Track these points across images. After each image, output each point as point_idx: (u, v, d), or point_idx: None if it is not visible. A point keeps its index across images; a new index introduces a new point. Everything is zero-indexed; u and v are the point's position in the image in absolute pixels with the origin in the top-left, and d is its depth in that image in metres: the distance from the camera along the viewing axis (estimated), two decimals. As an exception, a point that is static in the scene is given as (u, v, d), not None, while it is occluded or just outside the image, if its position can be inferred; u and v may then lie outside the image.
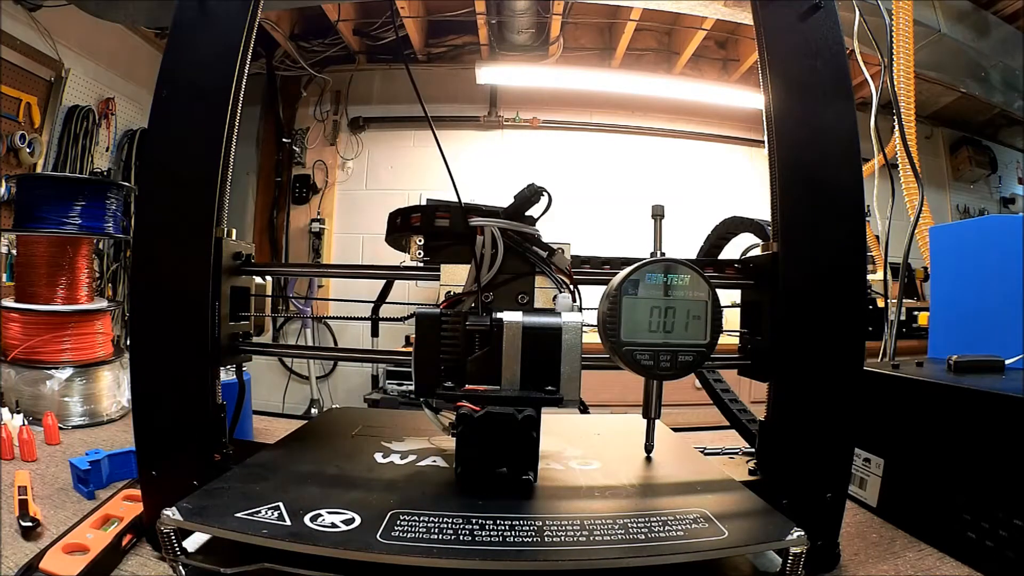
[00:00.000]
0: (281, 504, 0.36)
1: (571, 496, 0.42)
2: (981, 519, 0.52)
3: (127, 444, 0.81)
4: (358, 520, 0.35)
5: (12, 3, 1.97)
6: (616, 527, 0.35)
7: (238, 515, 0.35)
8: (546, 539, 0.34)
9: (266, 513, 0.35)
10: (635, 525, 0.36)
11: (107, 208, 1.14)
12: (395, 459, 0.49)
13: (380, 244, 0.62)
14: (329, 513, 0.36)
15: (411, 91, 0.57)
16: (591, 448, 0.54)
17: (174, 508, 0.35)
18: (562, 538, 0.34)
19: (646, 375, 0.43)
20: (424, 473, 0.46)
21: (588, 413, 0.76)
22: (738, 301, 0.57)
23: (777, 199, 0.51)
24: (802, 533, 0.33)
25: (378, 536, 0.33)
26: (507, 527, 0.35)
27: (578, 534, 0.34)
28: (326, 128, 3.22)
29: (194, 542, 0.36)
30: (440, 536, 0.33)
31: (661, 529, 0.35)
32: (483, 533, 0.34)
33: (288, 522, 0.34)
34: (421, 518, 0.35)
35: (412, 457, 0.49)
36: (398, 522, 0.35)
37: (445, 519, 0.35)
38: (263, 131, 3.23)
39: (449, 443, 0.51)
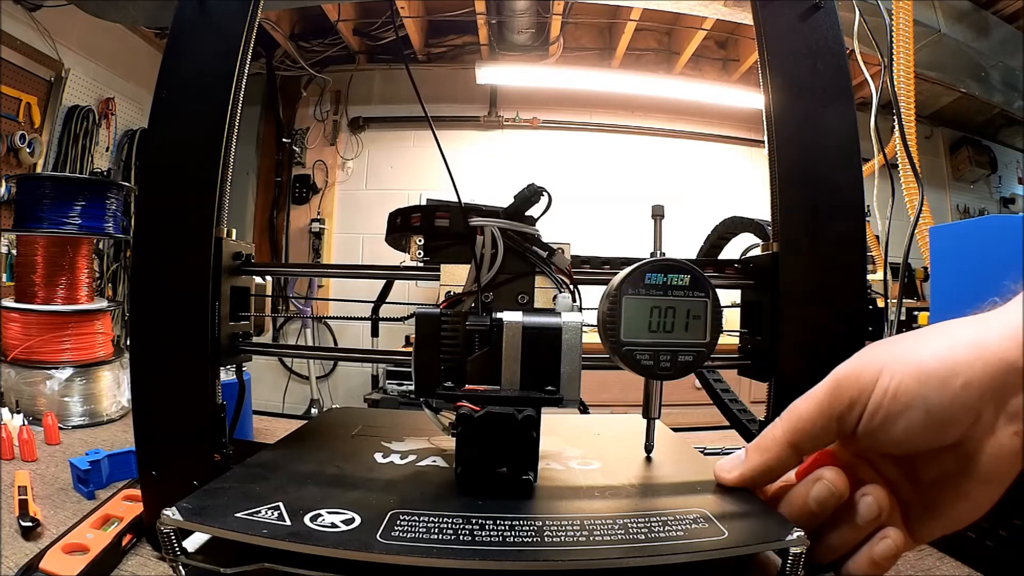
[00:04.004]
0: (281, 504, 0.36)
1: (571, 496, 0.41)
2: (981, 519, 0.52)
3: (127, 444, 0.81)
4: (358, 520, 0.34)
5: (12, 3, 1.97)
6: (616, 527, 0.35)
7: (238, 515, 0.34)
8: (546, 539, 0.33)
9: (266, 513, 0.35)
10: (635, 525, 0.35)
11: (107, 208, 1.14)
12: (395, 459, 0.48)
13: (380, 244, 0.62)
14: (329, 513, 0.35)
15: (411, 91, 0.57)
16: (591, 448, 0.54)
17: (174, 508, 0.34)
18: (562, 538, 0.34)
19: (646, 375, 0.43)
20: (424, 473, 0.45)
21: (588, 413, 0.76)
22: (738, 301, 0.57)
23: (777, 199, 0.51)
24: (802, 533, 0.33)
25: (378, 536, 0.33)
26: (507, 527, 0.34)
27: (578, 534, 0.34)
28: (326, 128, 3.22)
29: (194, 542, 0.35)
30: (440, 536, 0.33)
31: (661, 529, 0.35)
32: (483, 533, 0.34)
33: (288, 522, 0.34)
34: (421, 518, 0.35)
35: (412, 457, 0.49)
36: (398, 522, 0.34)
37: (445, 519, 0.35)
38: (263, 131, 3.23)
39: (449, 443, 0.50)
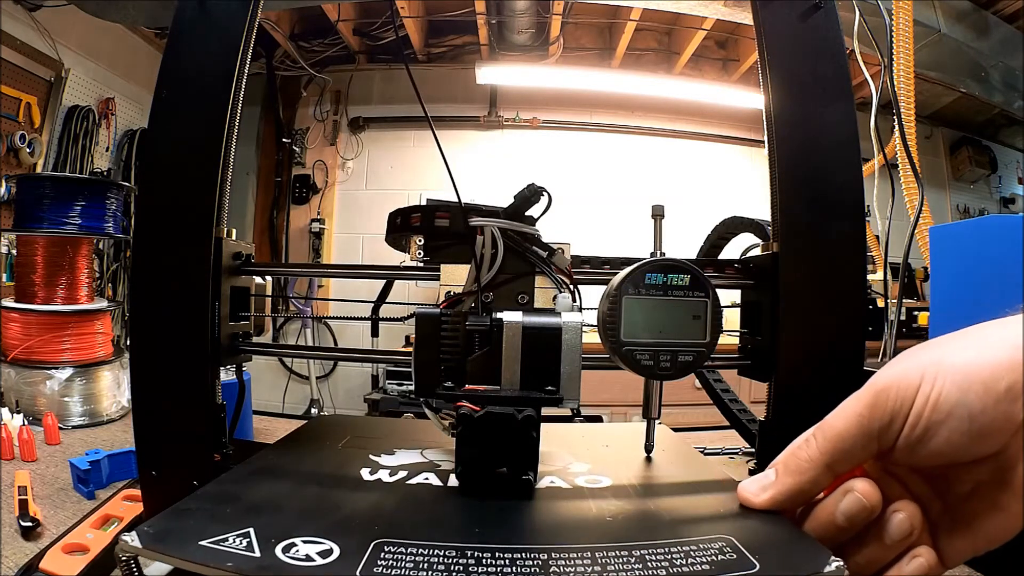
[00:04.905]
0: (252, 530, 0.32)
1: (580, 520, 0.38)
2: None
3: (127, 444, 0.81)
4: (336, 552, 0.30)
5: (12, 3, 1.97)
6: (632, 560, 0.31)
7: (203, 543, 0.30)
8: None
9: (234, 541, 0.31)
10: (654, 557, 0.31)
11: (107, 208, 1.14)
12: (383, 476, 0.44)
13: (380, 244, 0.62)
14: (304, 542, 0.31)
15: (411, 91, 0.57)
16: (600, 462, 0.50)
17: (133, 533, 0.30)
18: (571, 574, 0.30)
19: (646, 375, 0.43)
20: (414, 493, 0.41)
21: (580, 415, 0.75)
22: (738, 301, 0.57)
23: (777, 199, 0.51)
24: (841, 563, 0.30)
25: (358, 572, 0.29)
26: (508, 561, 0.30)
27: (589, 569, 0.30)
28: (326, 128, 3.22)
29: (156, 570, 0.32)
30: (430, 572, 0.29)
31: (684, 562, 0.31)
32: (480, 569, 0.29)
33: (257, 553, 0.30)
34: (409, 549, 0.31)
35: (402, 474, 0.45)
36: (382, 554, 0.30)
37: (436, 551, 0.31)
38: (263, 131, 3.23)
39: (443, 457, 0.49)
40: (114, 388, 1.13)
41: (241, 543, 0.31)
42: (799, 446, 0.35)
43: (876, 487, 0.33)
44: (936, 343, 0.34)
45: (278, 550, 0.30)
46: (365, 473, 0.45)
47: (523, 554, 0.31)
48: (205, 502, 0.37)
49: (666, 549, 0.32)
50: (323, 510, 0.37)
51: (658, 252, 0.48)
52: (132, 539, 0.30)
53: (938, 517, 0.34)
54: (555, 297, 0.48)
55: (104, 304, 1.17)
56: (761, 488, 0.36)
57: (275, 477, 0.43)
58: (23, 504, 0.62)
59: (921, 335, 0.91)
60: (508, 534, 0.34)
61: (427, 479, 0.44)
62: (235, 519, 0.33)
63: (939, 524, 0.34)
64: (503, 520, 0.36)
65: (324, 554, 0.30)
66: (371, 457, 0.49)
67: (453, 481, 0.43)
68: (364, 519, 0.35)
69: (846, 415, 0.33)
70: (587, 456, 0.51)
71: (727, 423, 0.80)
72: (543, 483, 0.43)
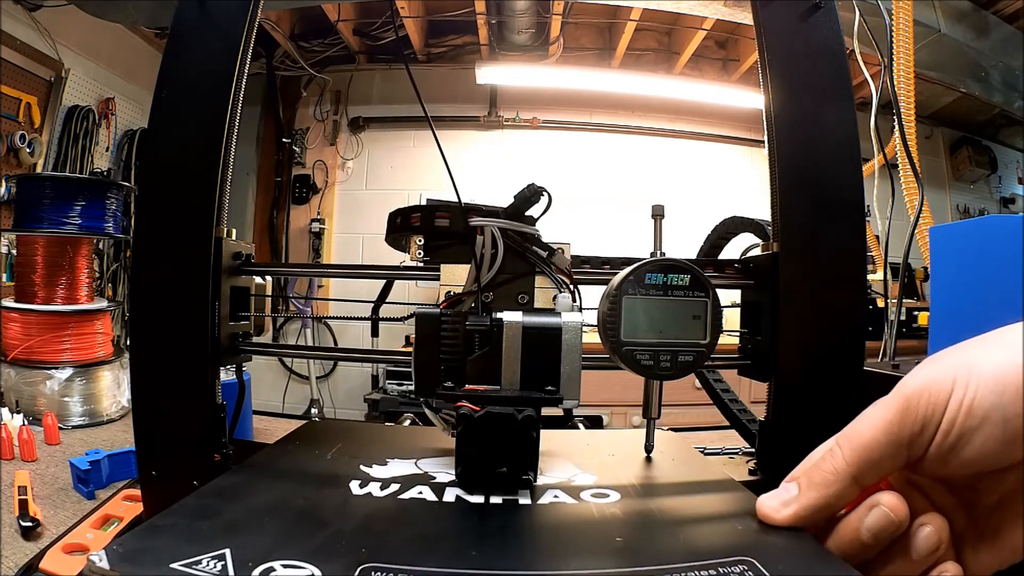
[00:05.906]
0: (228, 551, 0.30)
1: (587, 542, 0.35)
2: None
3: (127, 444, 0.81)
4: None
5: (12, 3, 1.97)
6: None
7: (174, 565, 0.28)
8: None
9: (208, 564, 0.28)
10: None
11: (107, 208, 1.14)
12: (374, 489, 0.41)
13: (380, 244, 0.62)
14: (283, 567, 0.28)
15: (411, 91, 0.57)
16: (606, 473, 0.47)
17: (102, 552, 0.28)
18: None
19: (646, 375, 0.43)
20: (406, 510, 0.38)
21: (573, 416, 0.75)
22: (738, 301, 0.57)
23: (777, 199, 0.51)
24: None
25: None
26: None
27: None
28: (326, 128, 3.22)
29: None
30: None
31: None
32: None
33: None
34: (398, 575, 0.28)
35: (394, 487, 0.41)
36: None
37: None
38: (263, 131, 3.23)
39: (438, 467, 0.47)
40: (114, 388, 1.13)
41: (215, 566, 0.28)
42: (823, 457, 0.33)
43: (903, 500, 0.31)
44: (961, 347, 0.32)
45: (255, 575, 0.28)
46: (354, 486, 0.41)
47: None
48: (181, 517, 0.34)
49: (682, 575, 0.29)
50: (307, 529, 0.34)
51: (658, 252, 0.48)
52: (100, 559, 0.28)
53: (963, 530, 0.33)
54: (555, 297, 0.48)
55: (104, 304, 1.18)
56: (782, 503, 0.34)
57: (258, 490, 0.40)
58: (23, 504, 0.62)
59: (921, 335, 0.91)
60: (507, 558, 0.32)
61: (421, 493, 0.41)
62: (211, 538, 0.31)
63: (964, 537, 0.33)
64: (502, 542, 0.34)
65: None
66: (362, 468, 0.45)
67: (448, 495, 0.40)
68: (351, 540, 0.33)
69: (874, 423, 0.31)
70: (592, 466, 0.48)
71: (727, 423, 0.80)
72: (546, 499, 0.40)
